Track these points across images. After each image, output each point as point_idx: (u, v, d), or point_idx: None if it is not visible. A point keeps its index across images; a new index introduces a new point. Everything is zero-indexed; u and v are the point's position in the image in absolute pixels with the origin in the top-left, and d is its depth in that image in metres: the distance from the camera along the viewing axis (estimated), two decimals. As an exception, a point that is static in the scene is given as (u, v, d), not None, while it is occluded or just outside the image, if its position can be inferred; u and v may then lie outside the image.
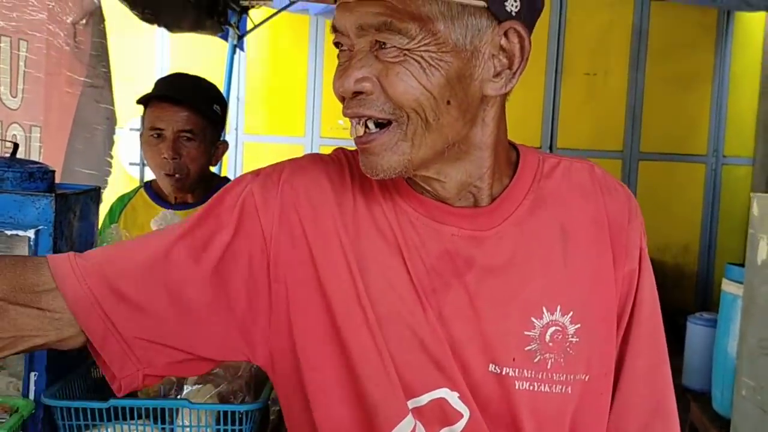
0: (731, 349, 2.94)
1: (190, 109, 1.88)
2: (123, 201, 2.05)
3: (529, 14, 0.81)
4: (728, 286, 3.09)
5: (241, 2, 4.11)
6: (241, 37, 4.26)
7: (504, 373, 0.85)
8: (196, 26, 3.59)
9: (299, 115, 7.54)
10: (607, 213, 0.90)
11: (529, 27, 0.82)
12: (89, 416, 1.17)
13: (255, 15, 4.41)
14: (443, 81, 0.78)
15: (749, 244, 2.71)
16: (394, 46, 0.77)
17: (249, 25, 4.32)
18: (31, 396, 1.21)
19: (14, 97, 2.94)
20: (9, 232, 1.18)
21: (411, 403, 0.84)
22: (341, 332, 0.84)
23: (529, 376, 0.85)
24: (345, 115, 0.81)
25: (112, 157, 4.07)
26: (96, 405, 1.17)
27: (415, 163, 0.81)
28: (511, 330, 0.85)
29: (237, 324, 0.85)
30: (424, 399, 0.84)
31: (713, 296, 5.90)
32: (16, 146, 1.31)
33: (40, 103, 3.11)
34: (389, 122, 0.79)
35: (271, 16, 4.42)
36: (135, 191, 2.09)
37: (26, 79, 3.01)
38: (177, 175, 1.89)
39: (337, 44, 0.82)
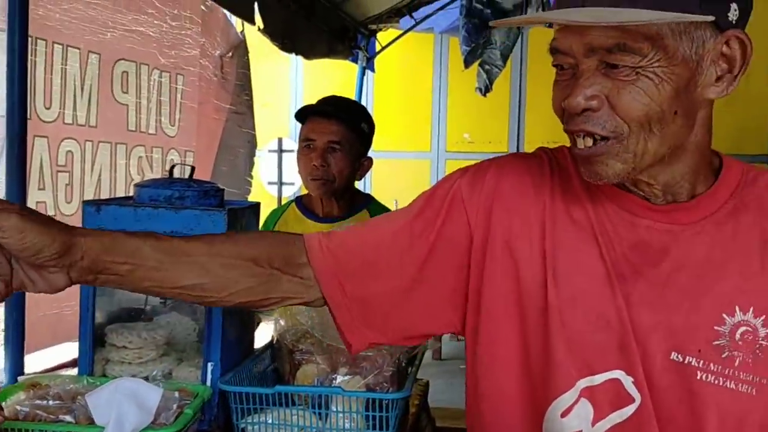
0: None
1: (340, 124, 2.08)
2: (276, 214, 2.27)
3: (743, 20, 0.84)
4: None
5: (369, 26, 4.34)
6: (370, 59, 4.49)
7: (687, 362, 0.85)
8: (330, 52, 3.85)
9: (425, 131, 7.67)
10: None
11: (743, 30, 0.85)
12: (257, 400, 1.34)
13: (382, 37, 4.63)
14: (673, 93, 0.81)
15: None
16: (626, 66, 0.80)
17: (377, 47, 4.55)
18: (208, 383, 1.41)
19: (172, 126, 3.30)
20: (189, 242, 1.38)
21: (585, 382, 0.87)
22: (523, 312, 0.91)
23: (716, 370, 0.84)
24: (567, 130, 0.86)
25: (252, 177, 4.40)
26: (263, 390, 1.34)
27: (638, 170, 0.85)
28: (701, 323, 0.85)
29: (447, 300, 0.97)
30: (599, 378, 0.87)
31: None
32: (172, 168, 1.53)
33: (193, 130, 3.46)
34: (607, 138, 0.83)
35: (398, 37, 4.63)
36: (287, 205, 2.30)
37: (182, 109, 3.36)
38: (322, 179, 2.07)
39: (557, 65, 0.86)
